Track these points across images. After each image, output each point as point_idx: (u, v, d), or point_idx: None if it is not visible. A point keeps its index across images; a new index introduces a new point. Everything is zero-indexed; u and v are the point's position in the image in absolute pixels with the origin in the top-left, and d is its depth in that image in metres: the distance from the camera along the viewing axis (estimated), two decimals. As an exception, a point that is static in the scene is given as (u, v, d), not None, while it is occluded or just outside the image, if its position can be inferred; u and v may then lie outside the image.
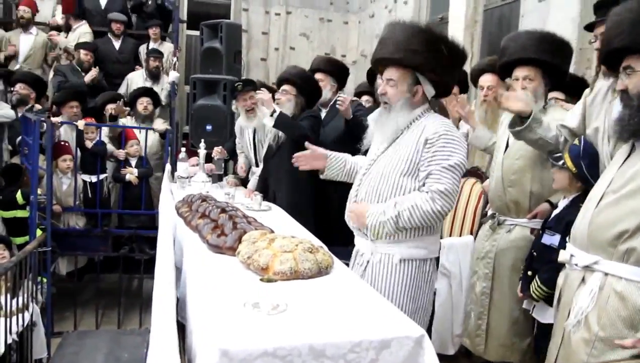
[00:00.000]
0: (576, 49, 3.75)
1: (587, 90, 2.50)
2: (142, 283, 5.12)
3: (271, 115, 3.43)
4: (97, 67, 6.10)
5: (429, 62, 2.18)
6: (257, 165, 4.09)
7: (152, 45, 6.55)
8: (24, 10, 6.35)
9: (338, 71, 4.09)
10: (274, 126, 3.45)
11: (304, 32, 8.97)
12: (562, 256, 1.97)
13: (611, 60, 1.87)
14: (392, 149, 2.30)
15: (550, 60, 2.68)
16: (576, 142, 2.42)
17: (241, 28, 6.94)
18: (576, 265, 1.88)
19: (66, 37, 6.48)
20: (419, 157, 2.20)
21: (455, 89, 3.80)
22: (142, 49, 6.63)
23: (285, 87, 3.73)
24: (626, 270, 1.71)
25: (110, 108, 5.38)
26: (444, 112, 3.49)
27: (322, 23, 9.04)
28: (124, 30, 6.55)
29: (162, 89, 6.22)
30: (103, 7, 6.77)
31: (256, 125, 3.95)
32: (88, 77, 5.95)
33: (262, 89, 3.68)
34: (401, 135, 2.29)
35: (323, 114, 3.96)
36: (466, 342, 3.07)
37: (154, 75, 6.21)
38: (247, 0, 8.72)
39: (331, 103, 3.93)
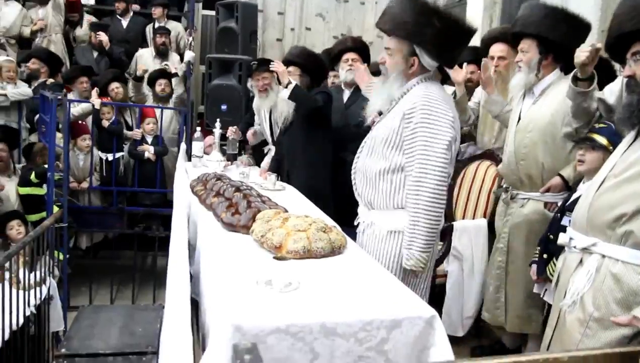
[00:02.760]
0: (598, 31, 3.69)
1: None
2: (156, 261, 5.18)
3: (286, 87, 3.42)
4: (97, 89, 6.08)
5: (422, 33, 2.16)
6: (273, 144, 4.10)
7: (157, 24, 6.51)
8: None
9: (313, 66, 3.89)
10: (289, 97, 3.44)
11: (320, 12, 8.89)
12: (562, 239, 1.99)
13: (617, 47, 1.86)
14: (384, 119, 2.32)
15: (546, 36, 2.67)
16: (602, 124, 2.40)
17: (257, 8, 6.90)
18: (575, 247, 1.90)
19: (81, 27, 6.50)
20: (401, 130, 2.20)
21: (470, 67, 3.75)
22: (149, 28, 6.58)
23: (289, 68, 3.72)
24: (623, 252, 1.73)
25: (114, 87, 5.40)
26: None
27: (338, 3, 8.94)
28: (126, 7, 6.49)
29: (175, 68, 6.20)
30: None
31: (270, 104, 3.95)
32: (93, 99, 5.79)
33: (274, 62, 3.64)
34: (395, 105, 2.29)
35: (346, 95, 3.93)
36: (485, 315, 3.09)
37: (162, 52, 6.17)
38: (263, -20, 8.66)
39: (355, 85, 3.87)
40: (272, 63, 3.59)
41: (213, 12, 6.56)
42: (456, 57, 2.39)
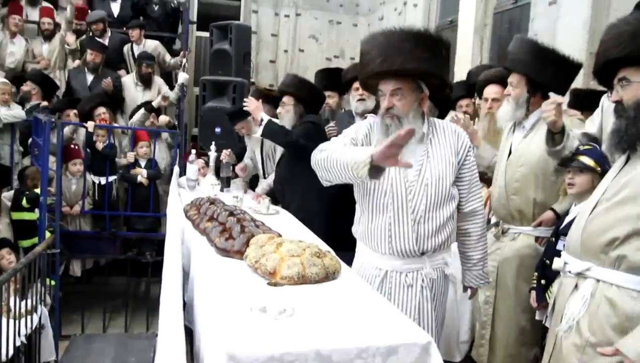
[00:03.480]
0: (586, 53, 3.72)
1: (604, 96, 2.48)
2: (149, 287, 5.13)
3: (260, 125, 3.41)
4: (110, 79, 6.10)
5: (435, 67, 2.12)
6: (264, 177, 4.09)
7: (135, 47, 6.51)
8: (47, 23, 6.40)
9: (306, 94, 3.80)
10: (262, 135, 3.44)
11: (313, 34, 8.98)
12: (556, 264, 1.99)
13: (604, 73, 1.88)
14: (427, 159, 2.22)
15: (534, 78, 2.68)
16: (587, 146, 2.41)
17: (251, 30, 6.95)
18: (569, 272, 1.90)
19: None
20: (461, 161, 2.23)
21: (468, 101, 3.78)
22: (127, 49, 6.57)
23: (283, 99, 3.71)
24: (617, 276, 1.73)
25: (101, 112, 5.39)
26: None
27: (331, 25, 9.05)
28: (104, 28, 6.45)
29: (157, 93, 6.18)
30: (116, 16, 6.82)
31: (257, 144, 4.02)
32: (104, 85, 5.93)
33: (247, 100, 3.64)
34: (429, 143, 2.23)
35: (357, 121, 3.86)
36: (473, 351, 3.05)
37: (146, 80, 6.15)
38: (257, 1, 8.74)
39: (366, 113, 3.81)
40: (244, 103, 3.60)
41: (207, 34, 6.60)
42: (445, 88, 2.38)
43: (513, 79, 2.77)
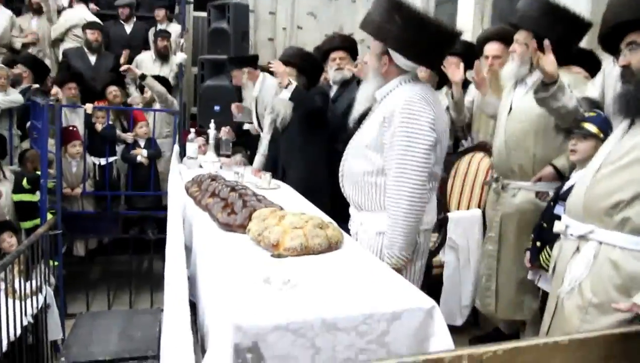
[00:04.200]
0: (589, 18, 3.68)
1: (606, 61, 2.46)
2: (152, 264, 5.16)
3: (286, 87, 3.39)
4: (128, 50, 6.10)
5: (386, 30, 2.14)
6: (260, 127, 4.10)
7: (159, 27, 6.51)
8: None
9: (309, 66, 3.80)
10: (290, 99, 3.41)
11: (311, 11, 8.88)
12: (557, 227, 1.99)
13: (610, 38, 1.87)
14: (366, 122, 2.33)
15: (545, 35, 2.59)
16: (591, 113, 2.40)
17: (248, 8, 6.90)
18: (571, 235, 1.90)
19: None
20: (381, 134, 2.19)
21: (455, 59, 3.75)
22: (151, 32, 6.58)
23: (339, 54, 3.73)
24: (621, 238, 1.74)
25: (112, 90, 5.39)
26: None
27: (329, 1, 8.94)
28: (130, 13, 6.50)
29: (170, 70, 6.20)
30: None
31: (248, 97, 4.00)
32: (122, 60, 5.95)
33: (271, 62, 3.62)
34: (377, 107, 2.28)
35: (334, 90, 3.92)
36: (477, 303, 3.09)
37: (163, 55, 6.16)
38: (254, -20, 8.64)
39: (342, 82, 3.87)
40: (271, 63, 3.56)
41: (204, 14, 6.55)
42: (436, 59, 2.32)
43: (520, 35, 2.75)
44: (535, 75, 2.75)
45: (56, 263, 4.56)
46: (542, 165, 2.75)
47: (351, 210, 2.45)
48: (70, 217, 4.97)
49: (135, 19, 6.61)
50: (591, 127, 2.39)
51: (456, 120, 3.58)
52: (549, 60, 2.38)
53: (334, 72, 3.84)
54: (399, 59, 2.20)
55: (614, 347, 1.60)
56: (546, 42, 2.42)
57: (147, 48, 6.47)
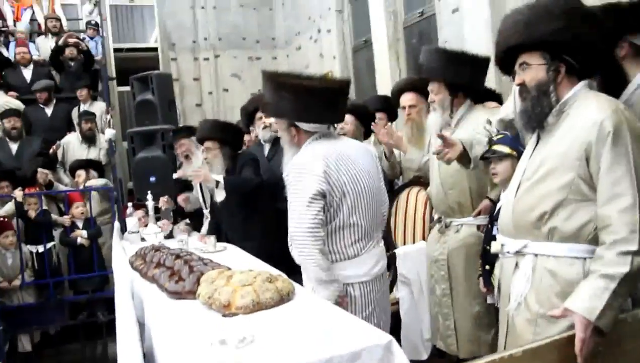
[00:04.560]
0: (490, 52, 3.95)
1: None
2: (106, 348, 4.95)
3: (217, 187, 3.46)
4: (58, 142, 5.99)
5: (280, 107, 2.35)
6: (206, 208, 4.08)
7: (82, 107, 6.45)
8: None
9: (229, 135, 3.86)
10: (227, 196, 3.47)
11: (234, 72, 9.07)
12: (494, 247, 2.08)
13: (505, 61, 2.02)
14: None
15: (453, 80, 2.84)
16: (499, 135, 2.55)
17: (172, 77, 6.96)
18: (508, 252, 1.99)
19: None
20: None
21: (381, 114, 3.94)
22: (75, 112, 6.48)
23: (207, 144, 3.73)
24: (553, 248, 1.83)
25: (41, 172, 5.27)
26: None
27: (251, 62, 9.16)
28: (48, 97, 6.38)
29: (100, 150, 6.12)
30: (29, 80, 6.64)
31: (193, 167, 3.99)
32: (52, 152, 5.84)
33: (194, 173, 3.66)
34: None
35: (267, 148, 3.96)
36: (440, 344, 3.12)
37: (89, 137, 6.07)
38: (174, 49, 8.76)
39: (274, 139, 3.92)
40: (190, 175, 3.64)
41: (128, 88, 6.55)
42: (336, 114, 2.46)
43: (432, 86, 2.91)
44: (456, 116, 2.90)
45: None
46: (480, 199, 2.88)
47: None
48: (11, 311, 4.73)
49: (55, 101, 6.49)
50: (503, 148, 2.54)
51: (390, 175, 3.69)
52: (456, 151, 2.47)
53: (262, 131, 3.90)
54: (304, 125, 2.36)
55: (565, 351, 1.69)
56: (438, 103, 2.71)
57: (72, 130, 6.38)
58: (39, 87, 6.33)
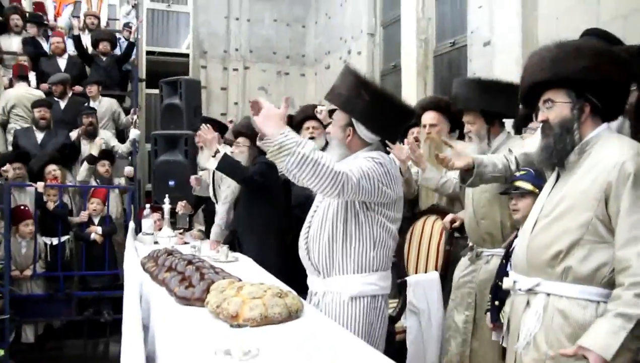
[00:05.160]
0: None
1: None
2: (108, 347, 4.96)
3: (214, 156, 3.39)
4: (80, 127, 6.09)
5: (353, 104, 2.28)
6: (216, 201, 4.09)
7: (92, 103, 6.52)
8: None
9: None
10: (217, 169, 3.43)
11: (262, 85, 9.15)
12: (506, 283, 2.06)
13: (529, 97, 2.02)
14: None
15: (489, 109, 2.87)
16: (522, 171, 2.53)
17: (200, 84, 7.04)
18: (520, 290, 1.96)
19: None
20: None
21: (415, 128, 3.92)
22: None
23: (239, 139, 3.78)
24: (566, 288, 1.81)
25: (51, 170, 5.33)
26: None
27: (279, 76, 9.24)
28: (63, 90, 6.47)
29: (111, 146, 6.16)
30: (63, 70, 6.77)
31: (204, 160, 4.00)
32: (74, 134, 5.95)
33: (206, 125, 3.58)
34: None
35: None
36: None
37: (89, 133, 6.12)
38: (205, 57, 8.88)
39: None
40: (199, 131, 3.60)
41: (157, 91, 6.63)
42: (396, 133, 2.49)
43: (468, 117, 2.94)
44: (493, 145, 2.91)
45: (1, 352, 4.33)
46: (511, 231, 2.85)
47: (312, 279, 2.42)
48: (19, 300, 4.77)
49: (70, 95, 6.57)
50: (526, 185, 2.51)
51: (406, 194, 3.67)
52: (462, 156, 2.52)
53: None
54: (362, 131, 2.32)
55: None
56: (443, 138, 2.63)
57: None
58: (55, 80, 6.43)
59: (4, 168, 5.02)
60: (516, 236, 2.77)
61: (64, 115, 6.43)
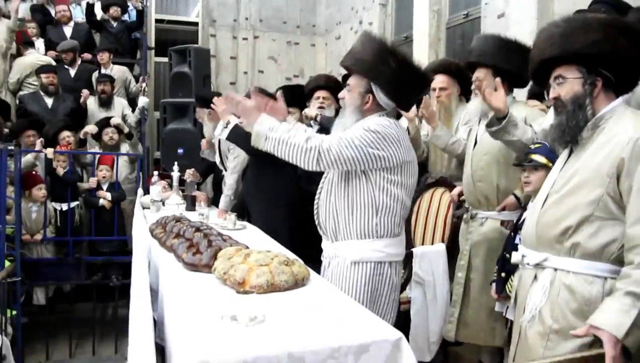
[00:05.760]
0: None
1: None
2: (116, 311, 5.04)
3: (225, 127, 3.39)
4: (87, 91, 6.12)
5: (378, 71, 2.26)
6: (224, 168, 4.10)
7: (103, 70, 6.51)
8: None
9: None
10: (227, 139, 3.44)
11: (272, 55, 9.07)
12: (515, 257, 2.07)
13: (540, 74, 2.00)
14: None
15: (503, 66, 2.86)
16: (537, 144, 2.52)
17: (209, 53, 7.00)
18: (528, 264, 1.97)
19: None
20: None
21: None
22: (95, 76, 6.54)
23: (319, 93, 3.84)
24: (573, 264, 1.81)
25: (65, 136, 5.35)
26: None
27: (289, 46, 9.16)
28: (73, 57, 6.46)
29: (120, 114, 6.17)
30: (69, 38, 6.75)
31: (209, 132, 4.05)
32: (82, 100, 5.98)
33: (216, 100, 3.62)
34: None
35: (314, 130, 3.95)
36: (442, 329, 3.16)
37: (103, 101, 6.14)
38: (215, 26, 8.80)
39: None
40: (213, 101, 3.59)
41: (165, 59, 6.61)
42: (411, 102, 2.48)
43: (479, 73, 2.95)
44: None
45: (14, 312, 4.42)
46: (506, 195, 2.89)
47: (324, 243, 2.48)
48: (30, 264, 4.84)
49: (79, 62, 6.57)
50: (540, 158, 2.50)
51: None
52: (498, 97, 2.54)
53: (316, 110, 3.88)
54: (381, 98, 2.31)
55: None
56: (497, 80, 2.58)
57: (93, 93, 6.44)
58: (64, 47, 6.41)
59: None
60: (517, 200, 2.79)
61: (75, 82, 6.43)
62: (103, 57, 6.54)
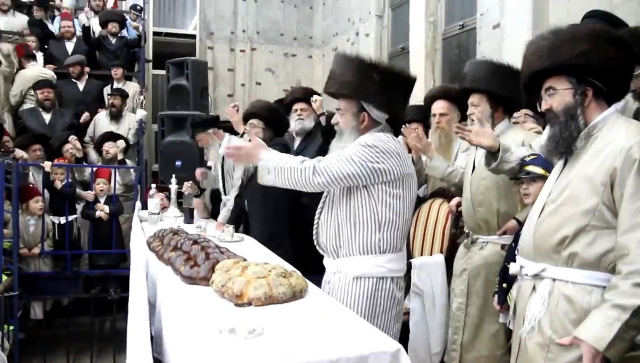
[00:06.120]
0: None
1: None
2: (115, 325, 5.01)
3: (241, 136, 3.43)
4: (87, 113, 6.15)
5: (365, 88, 2.28)
6: (225, 194, 4.10)
7: (115, 85, 6.55)
8: None
9: (275, 119, 3.96)
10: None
11: (269, 67, 9.12)
12: (513, 268, 2.06)
13: (531, 86, 2.01)
14: None
15: (496, 91, 2.87)
16: (532, 156, 2.52)
17: (207, 65, 7.02)
18: (526, 275, 1.97)
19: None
20: None
21: (416, 125, 3.90)
22: (107, 90, 6.59)
23: (252, 120, 3.78)
24: (571, 274, 1.81)
25: (68, 148, 5.36)
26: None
27: (286, 58, 9.20)
28: (81, 71, 6.50)
29: (129, 128, 6.20)
30: (70, 54, 6.77)
31: (213, 158, 4.06)
32: (82, 122, 6.02)
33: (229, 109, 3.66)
34: None
35: (297, 143, 3.98)
36: (445, 357, 3.12)
37: (114, 115, 6.17)
38: (212, 38, 8.84)
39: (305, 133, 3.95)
40: (227, 109, 3.63)
41: (163, 72, 6.63)
42: (402, 106, 2.47)
43: (474, 99, 2.94)
44: (496, 130, 2.90)
45: (11, 327, 4.39)
46: (506, 219, 2.86)
47: (325, 260, 2.48)
48: (27, 277, 4.82)
49: (87, 77, 6.61)
50: (537, 169, 2.50)
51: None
52: (486, 134, 2.54)
53: (295, 122, 3.93)
54: (374, 112, 2.34)
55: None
56: (478, 116, 2.73)
57: (103, 107, 6.48)
58: (71, 61, 6.44)
59: (17, 154, 5.03)
60: (519, 224, 2.78)
61: (83, 96, 6.46)
62: (117, 72, 6.59)
